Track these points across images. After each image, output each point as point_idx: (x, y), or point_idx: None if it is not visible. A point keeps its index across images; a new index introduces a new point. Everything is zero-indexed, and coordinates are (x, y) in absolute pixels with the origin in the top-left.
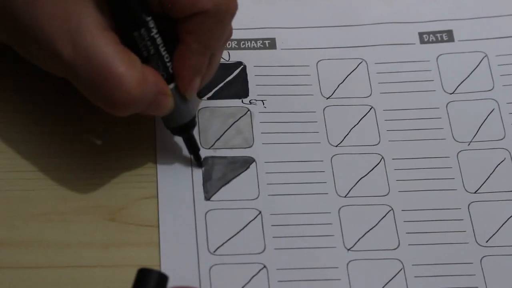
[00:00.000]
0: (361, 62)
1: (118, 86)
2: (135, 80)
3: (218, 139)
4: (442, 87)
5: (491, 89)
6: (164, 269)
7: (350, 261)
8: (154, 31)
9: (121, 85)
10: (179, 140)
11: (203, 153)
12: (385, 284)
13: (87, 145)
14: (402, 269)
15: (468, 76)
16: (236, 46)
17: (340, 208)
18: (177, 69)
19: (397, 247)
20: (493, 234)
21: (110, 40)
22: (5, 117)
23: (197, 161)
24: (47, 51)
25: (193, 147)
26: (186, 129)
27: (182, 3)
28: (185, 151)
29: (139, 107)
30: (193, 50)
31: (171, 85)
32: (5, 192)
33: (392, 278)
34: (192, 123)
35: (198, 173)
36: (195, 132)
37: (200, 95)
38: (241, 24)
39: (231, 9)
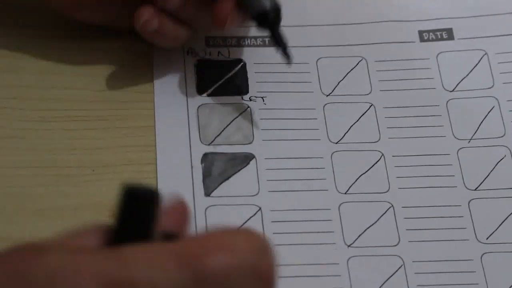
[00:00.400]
0: (361, 60)
1: None
2: None
3: (218, 135)
4: (442, 84)
5: (491, 87)
6: None
7: (350, 258)
8: None
9: None
10: (179, 137)
11: (203, 149)
12: (385, 281)
13: (87, 141)
14: (403, 266)
15: (468, 74)
16: (236, 43)
17: (340, 205)
18: None
19: (397, 243)
20: (494, 231)
21: None
22: (3, 113)
23: (285, 57)
24: None
25: (278, 42)
26: (267, 19)
27: None
28: (185, 148)
29: None
30: None
31: None
32: (3, 189)
33: (393, 275)
34: (274, 13)
35: (198, 169)
36: (195, 128)
37: (202, 91)
38: None
39: None
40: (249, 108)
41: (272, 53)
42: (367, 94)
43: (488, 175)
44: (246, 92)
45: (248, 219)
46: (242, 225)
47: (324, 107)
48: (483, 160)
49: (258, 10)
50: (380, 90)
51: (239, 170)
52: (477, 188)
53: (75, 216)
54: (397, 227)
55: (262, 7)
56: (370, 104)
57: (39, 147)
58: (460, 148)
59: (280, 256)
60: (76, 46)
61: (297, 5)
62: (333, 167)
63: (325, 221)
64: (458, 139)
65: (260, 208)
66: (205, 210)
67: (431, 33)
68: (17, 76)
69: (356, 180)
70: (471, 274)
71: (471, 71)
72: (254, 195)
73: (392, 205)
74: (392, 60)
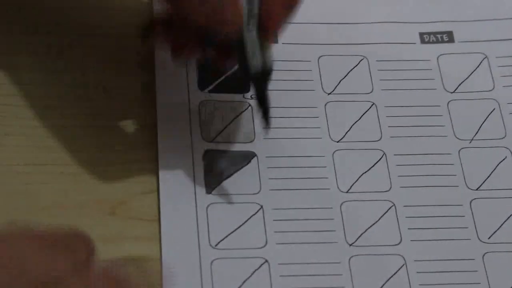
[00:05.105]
0: (362, 59)
1: None
2: None
3: (220, 133)
4: (443, 85)
5: (492, 89)
6: (165, 263)
7: (352, 257)
8: None
9: None
10: (180, 133)
11: (204, 146)
12: (387, 280)
13: (88, 139)
14: (404, 265)
15: (469, 76)
16: None
17: (341, 204)
18: (266, 6)
19: (399, 242)
20: (495, 231)
21: None
22: (6, 110)
23: (265, 117)
24: None
25: (264, 100)
26: (259, 76)
27: None
28: (187, 144)
29: None
30: None
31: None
32: (6, 186)
33: (394, 274)
34: (267, 72)
35: (199, 166)
36: (196, 124)
37: (203, 87)
38: None
39: None
40: (250, 107)
41: (273, 50)
42: (369, 93)
43: (489, 175)
44: (248, 90)
45: (250, 218)
46: (243, 224)
47: (325, 105)
48: (484, 160)
49: (248, 69)
50: (382, 89)
51: (240, 168)
52: (478, 188)
53: (76, 213)
54: (398, 226)
55: (254, 67)
56: (372, 103)
57: (40, 145)
58: (462, 148)
59: (282, 255)
60: (76, 44)
61: None
62: (334, 166)
63: (326, 220)
64: (460, 139)
65: (261, 207)
66: (207, 208)
67: (431, 35)
68: (18, 74)
69: (357, 179)
70: (473, 274)
71: (471, 73)
72: (256, 194)
73: (394, 204)
74: (393, 60)
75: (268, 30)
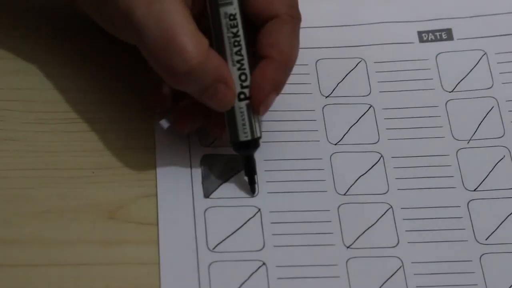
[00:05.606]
0: (360, 61)
1: (178, 53)
2: (196, 53)
3: (217, 138)
4: (441, 85)
5: (491, 87)
6: (163, 267)
7: (349, 259)
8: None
9: (181, 52)
10: (178, 139)
11: (202, 151)
12: (384, 282)
13: (87, 143)
14: (402, 267)
15: (468, 74)
16: None
17: (339, 206)
18: (255, 81)
19: (397, 244)
20: (493, 232)
21: (184, 13)
22: (4, 115)
23: (250, 184)
24: (120, 6)
25: (250, 169)
26: (247, 147)
27: (259, 6)
28: (185, 149)
29: (195, 84)
30: (275, 61)
31: (243, 97)
32: (4, 190)
33: (392, 276)
34: (255, 143)
35: (197, 171)
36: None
37: None
38: None
39: (300, 16)
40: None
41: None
42: (366, 96)
43: (487, 175)
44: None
45: (247, 221)
46: (241, 227)
47: (323, 108)
48: (482, 160)
49: (238, 137)
50: (379, 91)
51: (238, 172)
52: (476, 189)
53: (75, 218)
54: (396, 228)
55: (242, 136)
56: (369, 106)
57: (39, 149)
58: (459, 149)
59: (279, 257)
60: (76, 48)
61: None
62: (332, 169)
63: (324, 223)
64: (457, 139)
65: (259, 210)
66: (204, 212)
67: (430, 34)
68: (17, 78)
69: (355, 181)
70: (470, 275)
71: (470, 71)
72: (253, 197)
73: (391, 206)
74: (391, 61)
75: (257, 106)
